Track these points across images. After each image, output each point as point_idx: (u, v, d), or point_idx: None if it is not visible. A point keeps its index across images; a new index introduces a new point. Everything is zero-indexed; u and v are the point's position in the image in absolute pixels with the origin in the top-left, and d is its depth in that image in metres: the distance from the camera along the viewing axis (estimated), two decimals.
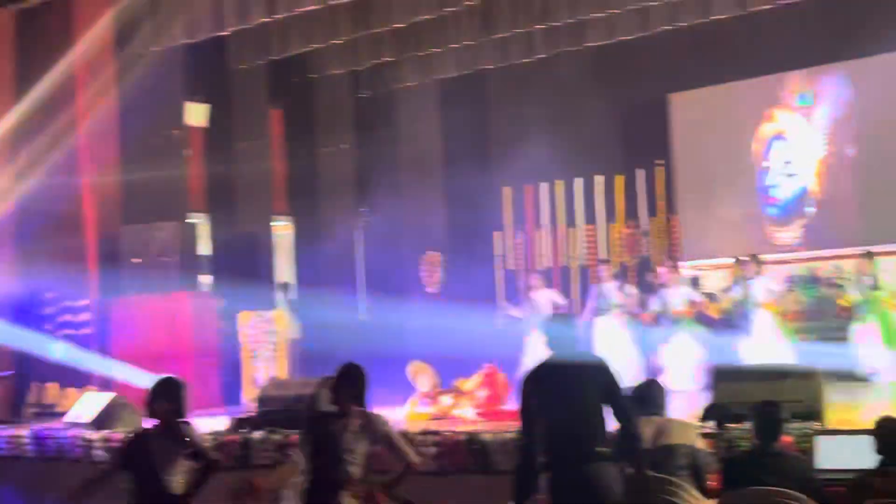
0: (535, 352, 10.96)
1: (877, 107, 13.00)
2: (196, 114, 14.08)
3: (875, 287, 11.42)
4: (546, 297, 13.00)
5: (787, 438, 6.76)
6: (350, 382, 5.66)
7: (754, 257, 11.92)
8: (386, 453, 5.63)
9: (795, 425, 7.16)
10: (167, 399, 5.96)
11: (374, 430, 5.54)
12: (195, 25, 11.61)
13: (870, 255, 11.54)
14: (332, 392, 5.66)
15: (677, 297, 12.27)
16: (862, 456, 5.37)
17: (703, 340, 12.25)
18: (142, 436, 6.07)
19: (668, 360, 12.12)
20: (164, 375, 6.27)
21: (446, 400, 10.44)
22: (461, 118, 15.30)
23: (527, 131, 14.67)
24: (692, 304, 12.22)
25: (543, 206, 16.04)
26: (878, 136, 13.07)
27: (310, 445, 5.60)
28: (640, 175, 15.19)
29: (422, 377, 10.64)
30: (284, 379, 10.96)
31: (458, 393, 10.49)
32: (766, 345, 11.56)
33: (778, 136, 14.00)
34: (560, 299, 13.15)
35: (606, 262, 13.40)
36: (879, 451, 5.13)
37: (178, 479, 5.80)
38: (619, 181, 15.29)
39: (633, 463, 5.30)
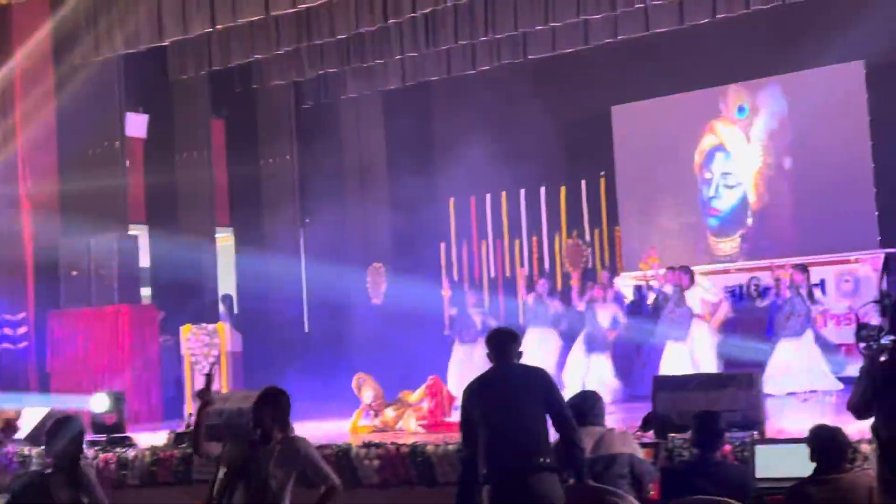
0: (476, 364, 11.04)
1: (810, 119, 13.24)
2: (136, 125, 13.92)
3: (810, 298, 11.56)
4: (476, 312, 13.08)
5: (726, 448, 6.84)
6: (272, 406, 5.49)
7: (685, 268, 12.07)
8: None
9: (734, 434, 7.24)
10: (66, 440, 5.92)
11: (296, 453, 5.39)
12: (135, 36, 11.50)
13: (803, 267, 11.71)
14: (253, 416, 5.49)
15: (612, 310, 12.43)
16: (799, 464, 5.43)
17: (637, 350, 12.43)
18: (37, 476, 6.00)
19: (596, 373, 12.24)
20: (62, 416, 6.23)
21: (390, 412, 10.40)
22: (405, 129, 15.31)
23: (471, 142, 14.71)
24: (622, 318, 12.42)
25: (488, 216, 16.08)
26: (812, 148, 13.31)
27: (226, 466, 5.44)
28: (584, 186, 15.31)
29: (366, 389, 10.60)
30: (226, 392, 10.82)
31: (403, 405, 10.46)
32: (703, 354, 11.72)
33: (718, 148, 14.19)
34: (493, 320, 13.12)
35: (543, 276, 13.50)
36: (814, 460, 5.20)
37: None
38: (563, 192, 15.40)
39: (574, 473, 5.32)
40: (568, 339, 12.86)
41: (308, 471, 5.38)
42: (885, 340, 4.46)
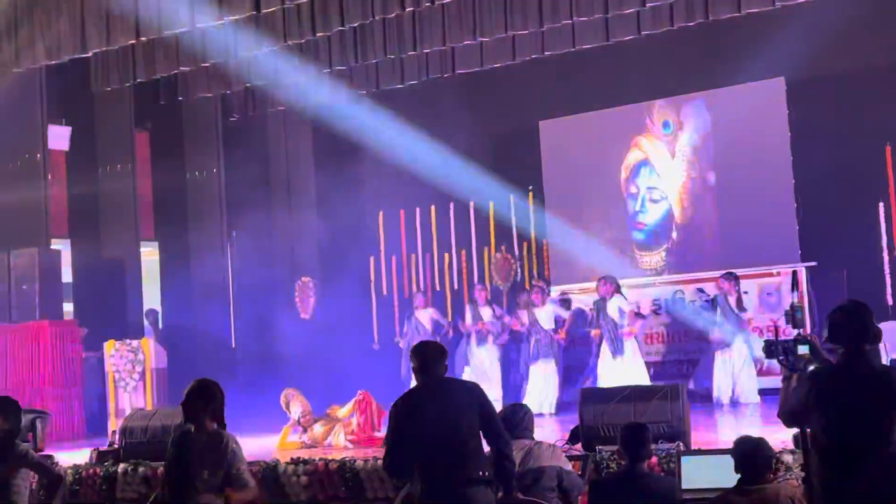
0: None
1: (733, 135, 13.49)
2: (58, 137, 13.66)
3: (740, 308, 11.76)
4: (427, 318, 13.07)
5: (653, 459, 6.92)
6: (205, 397, 5.40)
7: (608, 278, 12.19)
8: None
9: (661, 446, 7.32)
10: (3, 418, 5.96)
11: (224, 448, 5.30)
12: (57, 47, 11.28)
13: (734, 276, 11.90)
14: (184, 409, 5.40)
15: (551, 309, 12.56)
16: (724, 475, 5.49)
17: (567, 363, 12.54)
18: None
19: (532, 384, 12.33)
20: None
21: (319, 428, 10.33)
22: (334, 142, 15.26)
23: (400, 156, 14.71)
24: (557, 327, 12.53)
25: (417, 230, 16.09)
26: (735, 163, 13.56)
27: (167, 463, 5.48)
28: (512, 200, 15.41)
29: (294, 405, 10.51)
30: (150, 409, 10.65)
31: (332, 420, 10.40)
32: (629, 366, 11.84)
33: (643, 163, 14.38)
34: (442, 319, 13.22)
35: (482, 287, 13.53)
36: (738, 470, 5.27)
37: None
38: (492, 206, 15.47)
39: (505, 486, 5.32)
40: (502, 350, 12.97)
41: (231, 469, 5.29)
42: (802, 351, 4.55)
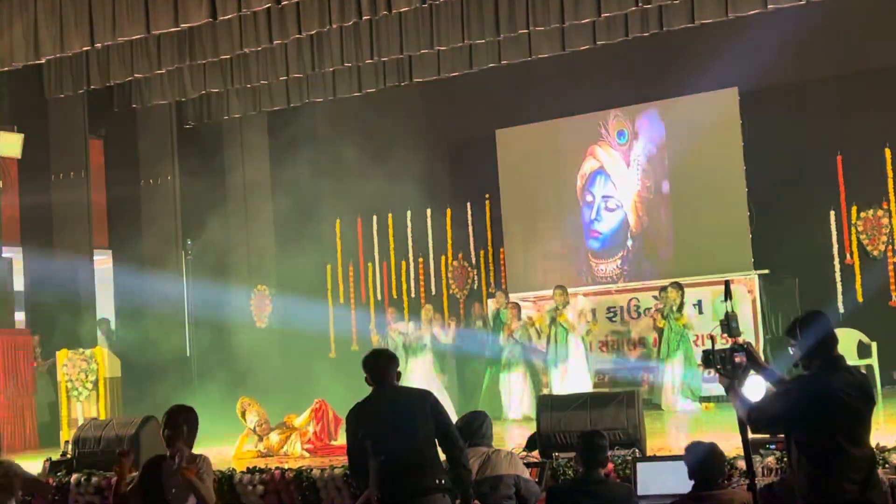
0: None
1: (686, 144, 13.63)
2: (10, 144, 13.48)
3: (678, 311, 11.85)
4: (399, 330, 13.03)
5: (609, 466, 6.96)
6: (187, 423, 5.70)
7: (560, 287, 12.32)
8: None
9: (616, 452, 7.37)
10: None
11: (198, 469, 5.55)
12: (10, 53, 11.13)
13: (678, 286, 12.02)
14: (167, 432, 5.69)
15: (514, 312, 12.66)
16: (680, 481, 5.55)
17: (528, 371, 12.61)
18: None
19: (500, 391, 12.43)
20: None
21: (275, 436, 10.28)
22: (290, 150, 15.22)
23: (356, 164, 14.71)
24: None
25: (374, 238, 16.09)
26: (689, 172, 13.70)
27: (140, 491, 5.60)
28: (469, 208, 15.47)
29: (250, 414, 10.46)
30: (104, 419, 10.54)
31: (288, 429, 10.36)
32: (580, 374, 11.91)
33: (599, 172, 14.47)
34: (412, 330, 13.11)
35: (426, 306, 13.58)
36: (691, 477, 5.32)
37: None
38: (449, 214, 15.52)
39: (462, 494, 5.33)
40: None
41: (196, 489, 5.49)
42: (738, 360, 4.62)
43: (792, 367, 4.83)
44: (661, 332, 12.08)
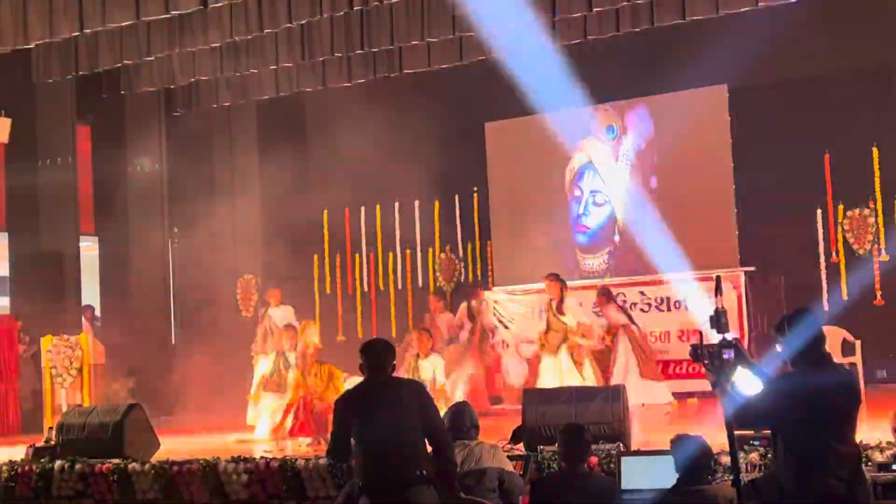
0: None
1: (675, 140, 13.65)
2: None
3: (559, 312, 11.51)
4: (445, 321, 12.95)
5: (593, 459, 6.98)
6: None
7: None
8: None
9: (601, 446, 7.40)
10: None
11: None
12: None
13: (556, 277, 11.86)
14: None
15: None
16: (664, 476, 5.57)
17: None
18: None
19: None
20: None
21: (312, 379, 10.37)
22: (279, 139, 15.18)
23: (345, 154, 14.68)
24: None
25: (362, 228, 16.07)
26: (677, 168, 13.73)
27: None
28: (457, 201, 15.46)
29: (310, 333, 10.52)
30: (88, 406, 10.51)
31: (323, 380, 10.41)
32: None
33: (588, 166, 14.49)
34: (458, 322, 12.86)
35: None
36: (678, 471, 5.34)
37: None
38: (437, 207, 15.51)
39: (447, 486, 5.35)
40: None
41: None
42: (727, 355, 4.63)
43: (780, 364, 4.84)
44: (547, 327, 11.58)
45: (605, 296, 12.30)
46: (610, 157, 14.30)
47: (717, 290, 5.05)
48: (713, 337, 4.73)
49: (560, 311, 11.52)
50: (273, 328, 12.24)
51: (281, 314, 12.60)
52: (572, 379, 11.01)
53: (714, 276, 11.94)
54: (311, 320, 11.03)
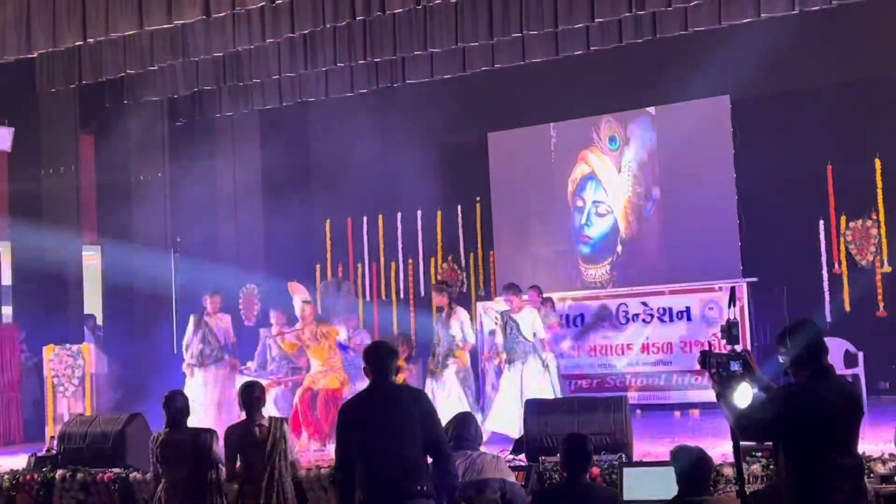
0: None
1: (677, 151, 13.67)
2: (1, 138, 13.44)
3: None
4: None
5: (595, 470, 6.97)
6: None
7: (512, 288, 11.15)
8: None
9: (603, 457, 7.39)
10: None
11: None
12: (2, 46, 11.09)
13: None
14: None
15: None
16: (666, 487, 5.55)
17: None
18: None
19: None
20: None
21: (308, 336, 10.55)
22: (282, 149, 15.19)
23: (348, 164, 14.70)
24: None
25: (364, 239, 16.08)
26: (679, 179, 13.74)
27: None
28: (460, 211, 15.47)
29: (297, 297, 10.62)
30: (89, 415, 10.51)
31: (324, 337, 10.59)
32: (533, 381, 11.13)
33: (590, 177, 14.50)
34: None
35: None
36: (679, 482, 5.33)
37: None
38: (440, 216, 15.52)
39: (448, 498, 5.32)
40: None
41: None
42: (734, 367, 4.60)
43: (781, 375, 4.82)
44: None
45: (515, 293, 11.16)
46: (612, 167, 14.32)
47: (731, 302, 5.03)
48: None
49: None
50: (210, 338, 11.82)
51: (217, 323, 12.01)
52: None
53: (721, 287, 12.09)
54: (294, 282, 11.08)
